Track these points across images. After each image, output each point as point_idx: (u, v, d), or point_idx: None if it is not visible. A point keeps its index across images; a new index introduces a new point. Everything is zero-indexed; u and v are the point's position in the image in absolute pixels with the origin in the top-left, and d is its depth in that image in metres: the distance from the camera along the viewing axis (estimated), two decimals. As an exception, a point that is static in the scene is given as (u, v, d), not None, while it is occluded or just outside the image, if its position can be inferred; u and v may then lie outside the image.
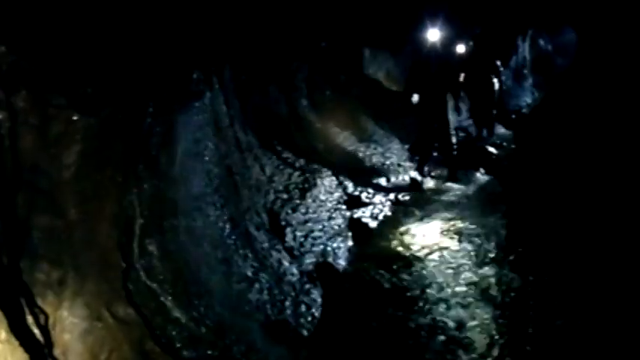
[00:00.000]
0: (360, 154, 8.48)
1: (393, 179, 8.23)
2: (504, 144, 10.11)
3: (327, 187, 6.76)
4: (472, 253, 5.59)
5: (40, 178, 3.15)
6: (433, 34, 7.88)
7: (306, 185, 6.42)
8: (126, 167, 3.58)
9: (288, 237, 5.53)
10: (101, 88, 3.44)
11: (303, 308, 4.66)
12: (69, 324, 3.08)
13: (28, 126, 3.10)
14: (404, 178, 8.34)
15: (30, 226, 3.07)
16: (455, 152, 8.18)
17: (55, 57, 3.24)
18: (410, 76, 8.21)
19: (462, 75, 8.46)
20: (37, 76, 3.14)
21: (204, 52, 4.82)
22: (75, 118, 3.25)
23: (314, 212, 6.16)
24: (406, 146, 9.44)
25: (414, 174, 8.43)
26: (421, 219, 6.84)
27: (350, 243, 6.14)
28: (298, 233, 5.67)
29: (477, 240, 5.87)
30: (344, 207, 6.71)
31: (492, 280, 4.96)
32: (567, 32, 14.77)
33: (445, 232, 6.28)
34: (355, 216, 6.72)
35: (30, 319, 2.89)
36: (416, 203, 7.45)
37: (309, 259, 5.42)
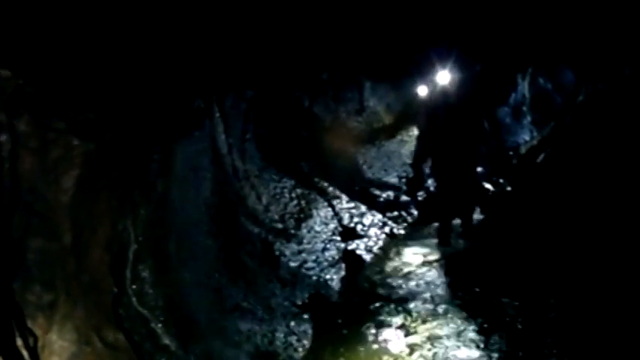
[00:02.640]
0: (357, 186, 8.52)
1: (388, 212, 8.26)
2: (500, 181, 10.16)
3: (323, 218, 6.79)
4: (463, 289, 5.58)
5: (38, 200, 3.18)
6: (443, 77, 6.62)
7: (302, 215, 6.44)
8: (122, 193, 3.61)
9: (282, 267, 5.54)
10: (102, 114, 3.49)
11: (293, 339, 4.65)
12: (58, 347, 3.09)
13: (29, 149, 3.15)
14: (400, 212, 8.37)
15: (25, 248, 3.10)
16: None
17: (59, 82, 3.30)
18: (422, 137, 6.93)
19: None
20: (40, 100, 3.19)
21: (206, 81, 4.89)
22: (75, 143, 3.30)
23: (308, 243, 6.17)
24: (403, 179, 9.48)
25: (411, 208, 8.46)
26: (415, 253, 6.85)
27: (343, 275, 6.13)
28: (292, 264, 5.68)
29: (469, 276, 5.87)
30: (338, 238, 6.72)
31: (485, 319, 4.94)
32: (566, 72, 14.91)
33: (439, 268, 6.28)
34: (349, 248, 6.73)
35: (19, 341, 2.90)
36: (410, 237, 7.46)
37: (302, 290, 5.42)
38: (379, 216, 8.06)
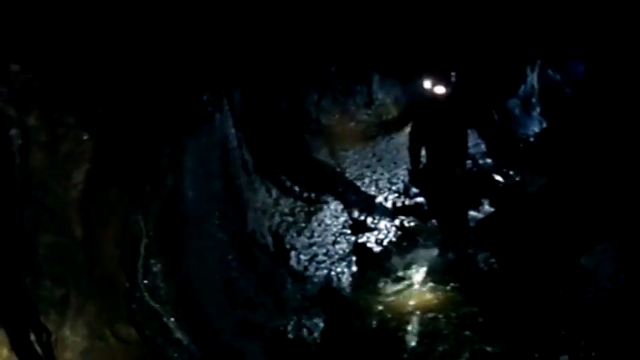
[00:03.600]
0: (367, 179, 8.48)
1: (399, 205, 8.22)
2: (511, 172, 10.10)
3: (333, 211, 6.76)
4: (472, 284, 5.56)
5: (48, 195, 3.17)
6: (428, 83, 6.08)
7: (312, 209, 6.42)
8: (133, 187, 3.60)
9: (293, 260, 5.52)
10: (112, 108, 3.48)
11: (305, 333, 4.64)
12: (71, 342, 3.08)
13: (39, 144, 3.14)
14: (410, 204, 8.32)
15: (35, 244, 3.09)
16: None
17: (68, 77, 3.29)
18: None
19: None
20: (50, 95, 3.18)
21: (214, 74, 4.87)
22: (85, 137, 3.29)
23: (319, 236, 6.15)
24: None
25: (420, 200, 8.41)
26: (425, 246, 6.82)
27: (354, 268, 6.12)
28: (302, 257, 5.66)
29: (479, 272, 5.84)
30: (349, 232, 6.70)
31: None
32: (576, 63, 14.79)
33: (449, 261, 6.25)
34: (360, 241, 6.71)
35: (32, 336, 2.90)
36: (420, 230, 7.43)
37: (313, 284, 5.41)
38: (389, 209, 8.03)
